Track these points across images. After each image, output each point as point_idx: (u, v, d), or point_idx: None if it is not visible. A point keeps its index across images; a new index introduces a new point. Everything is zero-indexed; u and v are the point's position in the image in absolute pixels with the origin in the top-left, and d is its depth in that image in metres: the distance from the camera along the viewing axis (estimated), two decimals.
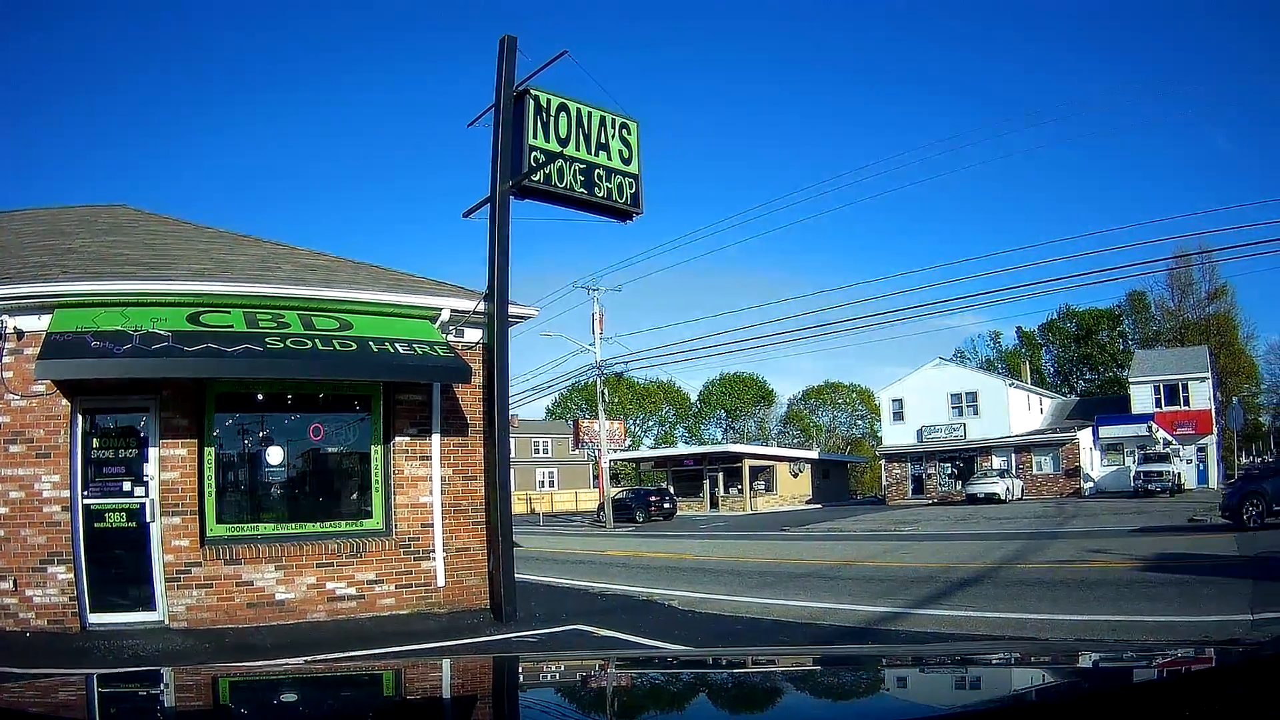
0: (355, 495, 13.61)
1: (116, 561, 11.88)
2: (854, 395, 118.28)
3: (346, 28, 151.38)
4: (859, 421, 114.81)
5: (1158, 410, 64.46)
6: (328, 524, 13.16)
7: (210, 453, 12.34)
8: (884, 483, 71.07)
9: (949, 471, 66.41)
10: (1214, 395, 71.64)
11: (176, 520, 11.87)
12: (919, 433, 68.58)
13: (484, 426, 14.20)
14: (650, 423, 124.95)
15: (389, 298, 13.58)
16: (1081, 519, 36.83)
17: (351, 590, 12.85)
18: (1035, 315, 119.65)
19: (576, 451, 71.85)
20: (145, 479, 11.97)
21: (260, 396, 12.92)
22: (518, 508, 75.14)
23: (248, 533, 12.61)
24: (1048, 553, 23.41)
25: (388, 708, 2.91)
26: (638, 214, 15.73)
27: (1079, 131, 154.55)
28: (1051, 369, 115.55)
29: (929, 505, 59.68)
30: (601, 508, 54.35)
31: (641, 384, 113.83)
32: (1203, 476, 61.66)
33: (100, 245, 14.52)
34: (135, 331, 11.12)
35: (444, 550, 13.70)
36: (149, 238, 15.67)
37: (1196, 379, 66.39)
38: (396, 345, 12.59)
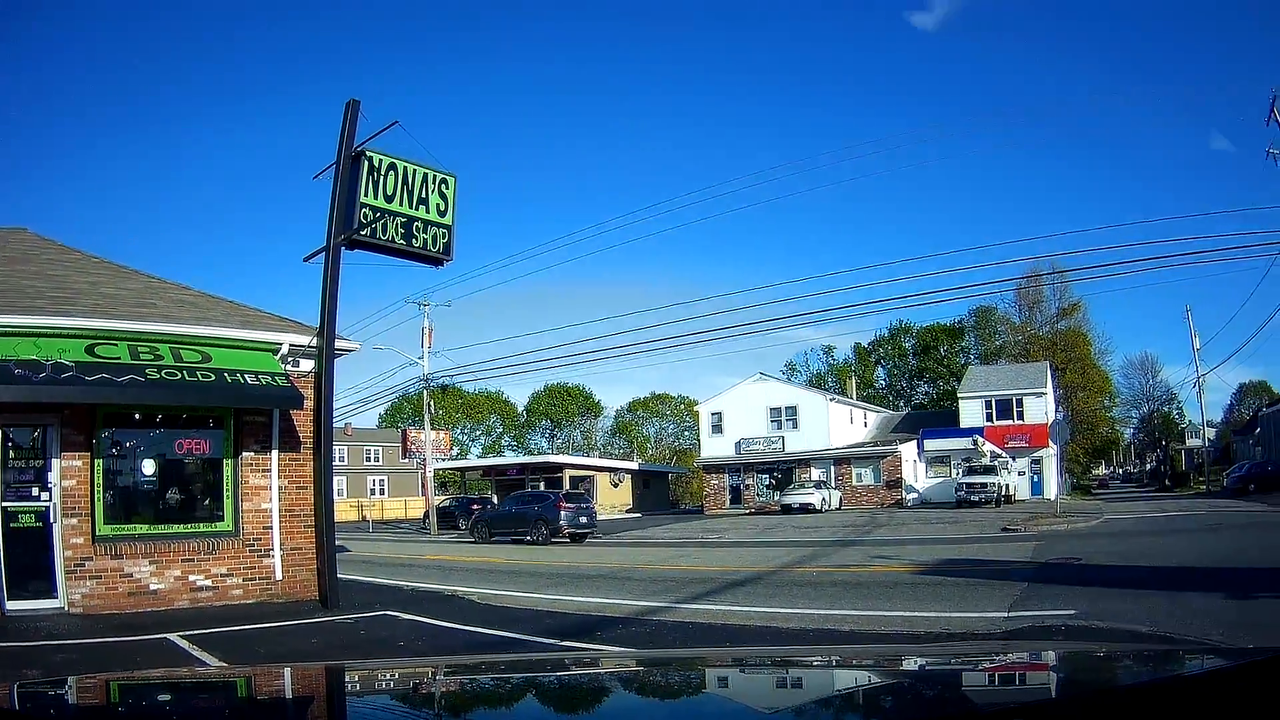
0: (211, 501, 17.13)
1: (28, 556, 15.12)
2: (681, 407, 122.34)
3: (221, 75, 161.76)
4: (686, 433, 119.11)
5: (988, 424, 69.13)
6: (190, 526, 16.73)
7: (99, 464, 15.73)
8: (703, 493, 75.04)
9: (767, 483, 70.38)
10: (1055, 410, 77.07)
11: (74, 521, 15.27)
12: (737, 445, 72.62)
13: (314, 444, 17.82)
14: (478, 432, 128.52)
15: (241, 334, 17.25)
16: (889, 528, 40.34)
17: (208, 582, 16.49)
18: (878, 327, 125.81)
19: (405, 460, 74.46)
20: (49, 486, 15.31)
21: (138, 416, 16.36)
22: (350, 515, 78.63)
23: (127, 532, 16.06)
24: (835, 558, 26.85)
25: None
26: (448, 260, 19.56)
27: (941, 153, 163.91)
28: (883, 383, 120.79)
29: (745, 515, 63.51)
30: (427, 515, 57.75)
31: (470, 394, 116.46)
32: (1037, 488, 66.97)
33: (9, 275, 17.80)
34: (47, 361, 14.61)
35: (281, 549, 17.36)
36: (49, 267, 19.20)
37: (1032, 394, 71.05)
38: (245, 376, 16.38)
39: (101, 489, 15.79)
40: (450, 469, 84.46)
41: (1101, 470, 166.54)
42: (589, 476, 78.31)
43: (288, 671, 4.48)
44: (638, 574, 24.54)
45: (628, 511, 77.76)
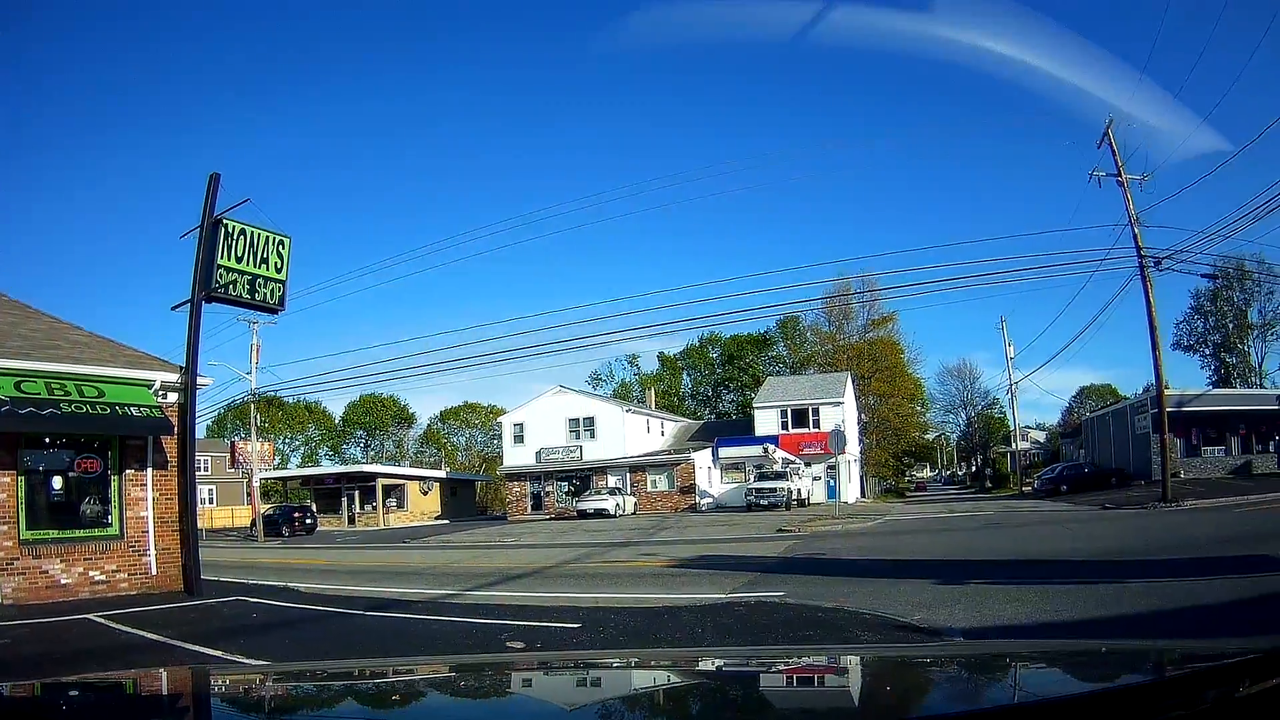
0: (103, 510, 21.61)
1: None
2: (490, 415, 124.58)
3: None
4: (495, 440, 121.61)
5: (784, 433, 75.06)
6: (88, 530, 21.26)
7: (22, 480, 20.11)
8: (506, 500, 79.47)
9: (566, 490, 75.11)
10: (857, 417, 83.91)
11: (4, 528, 19.68)
12: (538, 454, 77.51)
13: (179, 463, 22.62)
14: (297, 442, 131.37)
15: (126, 373, 21.90)
16: (673, 530, 44.37)
17: (103, 576, 21.09)
18: (689, 338, 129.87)
19: (233, 470, 76.85)
20: None
21: (48, 440, 20.79)
22: None
23: (43, 536, 20.45)
24: (609, 556, 31.72)
25: None
26: (281, 310, 25.07)
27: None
28: (687, 391, 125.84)
29: (546, 520, 67.89)
30: (254, 523, 61.16)
31: (291, 405, 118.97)
32: (833, 492, 71.96)
33: None
34: None
35: (155, 549, 22.11)
36: None
37: (828, 403, 76.68)
38: (131, 409, 21.13)
39: (24, 500, 20.08)
40: (273, 478, 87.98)
41: (926, 473, 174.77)
42: (400, 485, 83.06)
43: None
44: (435, 570, 29.41)
45: (436, 518, 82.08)
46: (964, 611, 14.91)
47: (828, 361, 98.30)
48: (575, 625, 15.52)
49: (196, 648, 14.34)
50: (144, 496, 21.97)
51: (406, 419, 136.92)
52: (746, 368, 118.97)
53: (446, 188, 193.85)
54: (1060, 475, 70.31)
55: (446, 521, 77.49)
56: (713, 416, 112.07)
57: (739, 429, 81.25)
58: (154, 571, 21.98)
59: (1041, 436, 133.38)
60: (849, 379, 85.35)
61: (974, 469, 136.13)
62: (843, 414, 75.98)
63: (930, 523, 43.37)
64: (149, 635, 15.64)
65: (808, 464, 69.26)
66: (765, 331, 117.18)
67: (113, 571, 21.31)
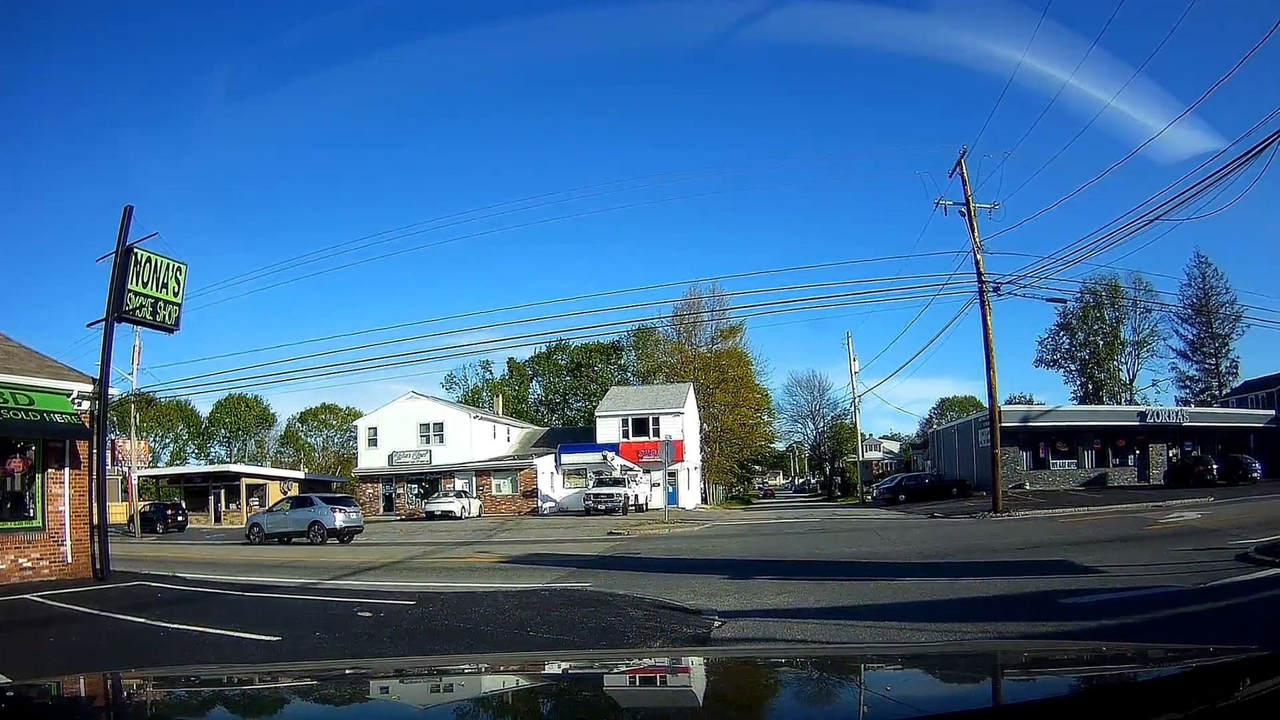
0: (29, 505, 24.84)
1: None
2: (347, 418, 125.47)
3: None
4: (352, 441, 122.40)
5: (625, 440, 77.67)
6: (17, 523, 24.50)
7: None
8: (360, 501, 79.85)
9: (416, 492, 77.55)
10: (700, 427, 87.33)
11: None
12: (390, 457, 79.81)
13: (89, 463, 25.97)
14: (167, 440, 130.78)
15: (50, 383, 25.10)
16: (512, 532, 46.96)
17: (29, 564, 24.47)
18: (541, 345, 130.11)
19: (113, 468, 77.19)
20: None
21: None
22: None
23: None
24: (447, 553, 34.51)
25: None
26: (177, 330, 28.52)
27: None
28: (538, 398, 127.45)
29: (397, 521, 69.73)
30: (132, 520, 62.44)
31: (163, 403, 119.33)
32: (673, 498, 74.78)
33: None
34: None
35: (70, 540, 25.39)
36: None
37: (669, 413, 79.84)
38: (53, 415, 24.48)
39: None
40: (148, 476, 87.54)
41: (779, 481, 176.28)
42: (262, 484, 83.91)
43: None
44: (299, 564, 32.00)
45: None
46: (735, 599, 17.18)
47: (674, 372, 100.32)
48: (411, 603, 18.35)
49: (128, 617, 17.64)
50: (62, 493, 25.14)
51: (267, 420, 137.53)
52: (595, 376, 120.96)
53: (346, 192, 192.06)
54: (899, 485, 73.51)
55: None
56: (560, 423, 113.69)
57: (582, 436, 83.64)
58: (69, 560, 25.17)
59: (895, 447, 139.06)
60: (690, 389, 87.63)
61: (824, 478, 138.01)
62: (682, 424, 79.49)
63: (755, 528, 45.56)
64: (86, 609, 18.81)
65: (646, 471, 71.47)
66: (615, 341, 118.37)
67: (37, 559, 24.52)
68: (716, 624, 14.64)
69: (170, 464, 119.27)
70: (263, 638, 14.44)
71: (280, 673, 5.05)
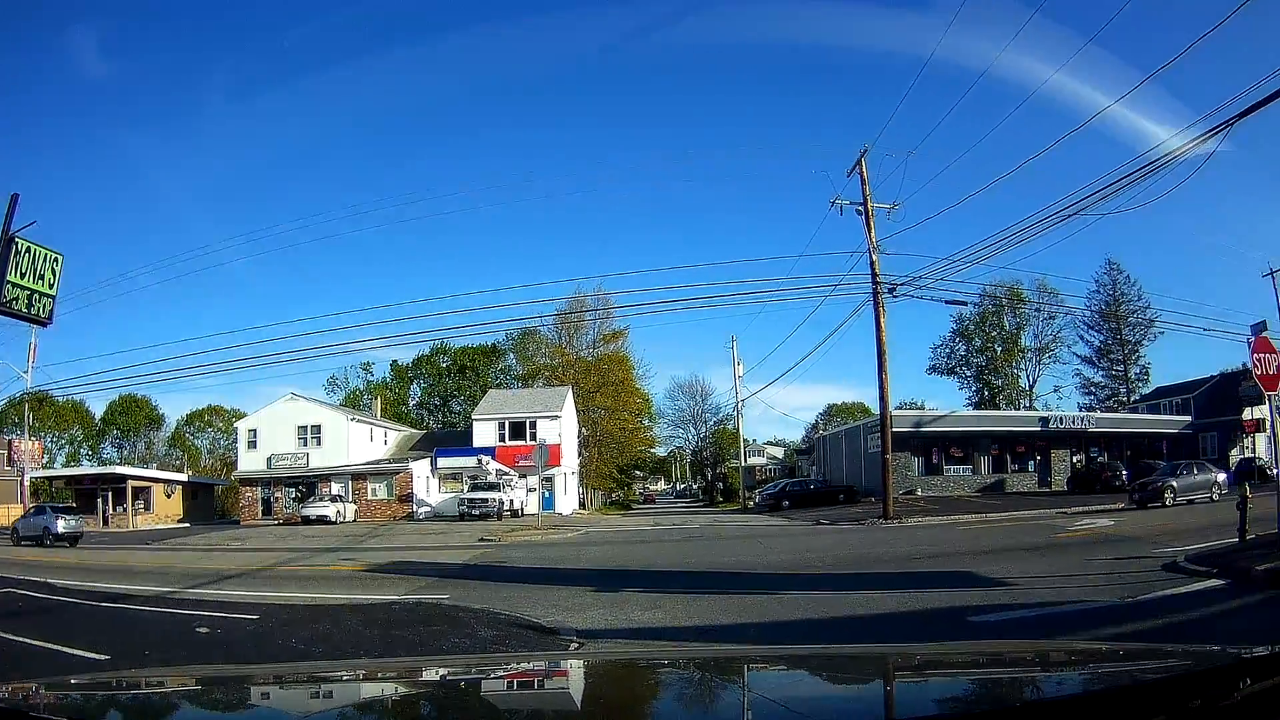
0: None
1: None
2: (232, 419, 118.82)
3: None
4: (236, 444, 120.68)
5: (501, 444, 76.59)
6: None
7: None
8: (240, 504, 79.52)
9: (294, 496, 75.69)
10: (579, 431, 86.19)
11: None
12: (269, 460, 77.90)
13: None
14: (63, 440, 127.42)
15: None
16: (383, 538, 46.08)
17: None
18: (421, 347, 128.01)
19: (9, 468, 76.17)
20: None
21: None
22: None
23: None
24: (316, 560, 33.92)
25: None
26: (50, 324, 26.82)
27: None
28: (419, 400, 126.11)
29: (275, 525, 68.45)
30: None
31: (60, 402, 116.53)
32: (549, 503, 74.12)
33: None
34: None
35: None
36: None
37: (546, 417, 78.67)
38: None
39: None
40: (42, 478, 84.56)
41: (661, 486, 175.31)
42: (148, 487, 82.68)
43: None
44: (167, 571, 30.50)
45: (179, 521, 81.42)
46: (600, 614, 16.50)
47: (555, 375, 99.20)
48: (256, 617, 17.67)
49: None
50: None
51: (156, 420, 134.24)
52: (477, 378, 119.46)
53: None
54: (783, 491, 72.57)
55: (188, 525, 77.10)
56: (439, 426, 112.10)
57: (460, 440, 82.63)
58: None
59: (780, 453, 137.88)
60: (569, 393, 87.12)
61: (706, 484, 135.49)
62: (560, 427, 79.07)
63: (631, 535, 44.74)
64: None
65: (522, 476, 70.50)
66: (496, 343, 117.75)
67: None
68: (574, 645, 13.79)
69: (66, 465, 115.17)
70: (89, 655, 13.63)
71: None
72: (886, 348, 46.14)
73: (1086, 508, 43.97)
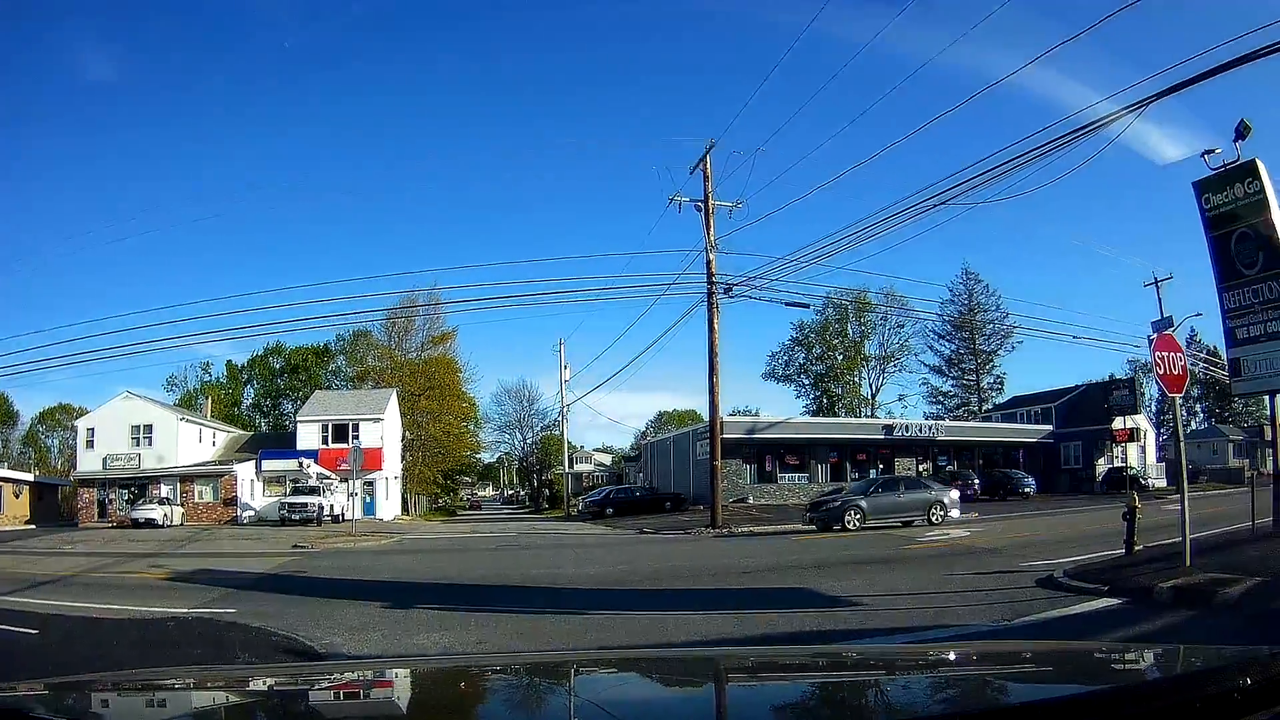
0: None
1: None
2: (80, 416, 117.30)
3: None
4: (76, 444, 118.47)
5: (324, 447, 77.52)
6: None
7: None
8: (78, 506, 78.49)
9: (127, 497, 75.15)
10: (402, 435, 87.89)
11: None
12: (104, 460, 77.16)
13: None
14: None
15: None
16: (203, 543, 44.89)
17: None
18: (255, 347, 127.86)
19: None
20: None
21: None
22: None
23: None
24: (128, 566, 33.21)
25: None
26: None
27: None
28: (249, 401, 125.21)
29: (109, 528, 67.16)
30: None
31: None
32: (370, 508, 75.05)
33: None
34: None
35: None
36: None
37: (370, 419, 79.91)
38: None
39: None
40: None
41: (489, 492, 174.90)
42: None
43: None
44: None
45: (26, 523, 79.47)
46: (382, 636, 15.36)
47: (383, 378, 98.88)
48: (35, 631, 17.19)
49: None
50: None
51: (10, 417, 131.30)
52: (310, 379, 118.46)
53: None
54: (607, 498, 72.94)
55: (33, 526, 75.26)
56: (269, 428, 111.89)
57: (287, 442, 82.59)
58: None
59: (608, 460, 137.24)
60: (394, 396, 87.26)
61: (532, 490, 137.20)
62: (382, 430, 79.90)
63: (445, 543, 44.57)
64: None
65: (343, 480, 69.80)
66: (327, 344, 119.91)
67: None
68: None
69: None
70: None
71: None
72: (719, 350, 46.12)
73: None
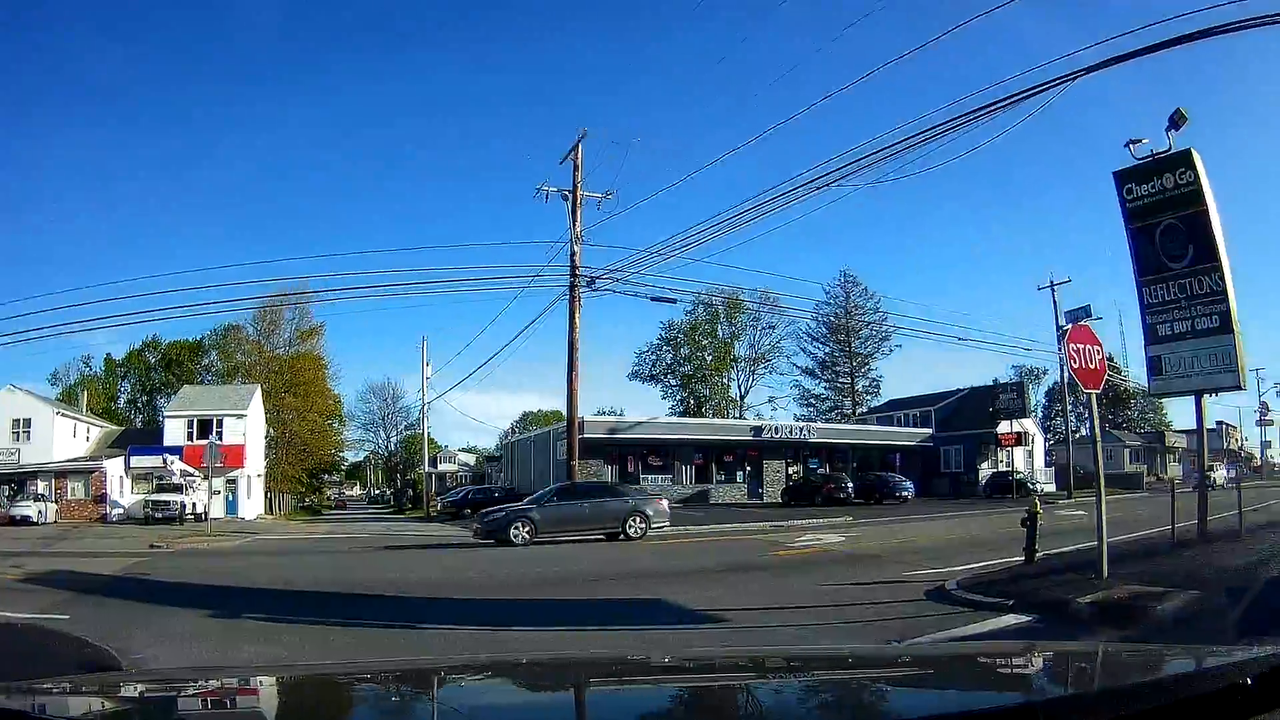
0: None
1: None
2: None
3: None
4: None
5: (190, 444, 74.65)
6: None
7: None
8: None
9: (7, 493, 70.58)
10: (266, 432, 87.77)
11: None
12: None
13: None
14: None
15: None
16: (69, 542, 42.20)
17: None
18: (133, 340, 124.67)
19: None
20: None
21: None
22: None
23: None
24: None
25: None
26: None
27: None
28: (125, 396, 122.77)
29: None
30: None
31: None
32: (233, 507, 75.32)
33: None
34: None
35: None
36: None
37: (233, 415, 78.53)
38: None
39: None
40: None
41: (356, 491, 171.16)
42: None
43: None
44: None
45: None
46: (207, 648, 13.57)
47: (251, 373, 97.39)
48: None
49: None
50: None
51: None
52: (185, 374, 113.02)
53: None
54: (465, 499, 70.96)
55: None
56: (142, 424, 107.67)
57: (150, 438, 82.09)
58: None
59: (472, 460, 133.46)
60: (258, 392, 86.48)
61: (396, 489, 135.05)
62: (245, 427, 78.84)
63: (300, 544, 42.64)
64: None
65: (206, 477, 66.93)
66: (200, 339, 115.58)
67: None
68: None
69: None
70: None
71: None
72: (580, 345, 44.45)
73: (808, 521, 41.20)
